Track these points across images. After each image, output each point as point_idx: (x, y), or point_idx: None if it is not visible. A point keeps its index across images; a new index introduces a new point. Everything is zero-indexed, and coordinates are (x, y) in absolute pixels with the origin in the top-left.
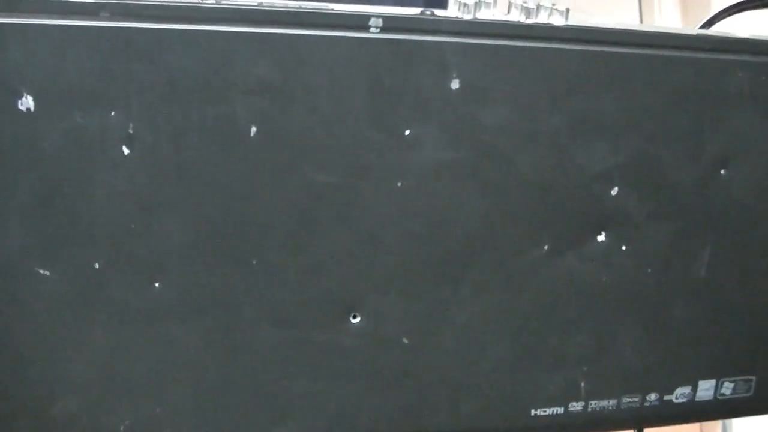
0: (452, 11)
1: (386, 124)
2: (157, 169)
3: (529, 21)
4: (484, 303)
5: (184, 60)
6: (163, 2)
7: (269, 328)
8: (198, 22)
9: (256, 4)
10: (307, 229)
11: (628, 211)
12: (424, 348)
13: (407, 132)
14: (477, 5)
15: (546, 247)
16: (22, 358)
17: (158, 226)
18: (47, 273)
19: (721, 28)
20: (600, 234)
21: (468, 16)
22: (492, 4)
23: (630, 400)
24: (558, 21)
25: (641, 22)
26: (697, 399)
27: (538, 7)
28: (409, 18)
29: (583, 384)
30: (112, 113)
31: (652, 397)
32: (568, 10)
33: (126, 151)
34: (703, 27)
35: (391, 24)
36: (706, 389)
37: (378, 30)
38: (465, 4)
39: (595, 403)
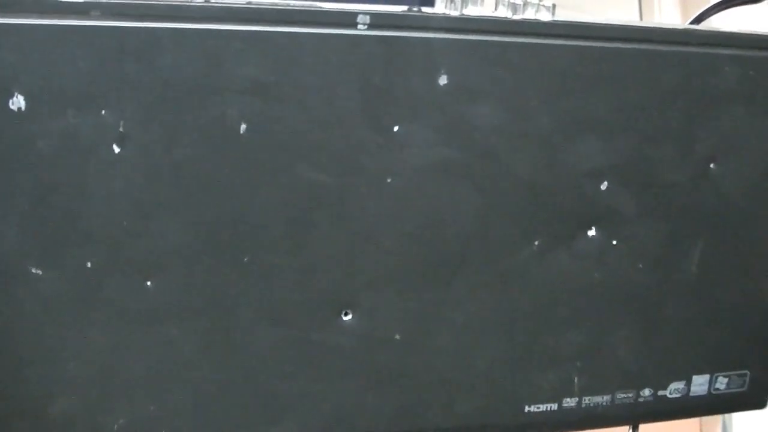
0: (440, 7)
1: (375, 120)
2: (149, 168)
3: (516, 17)
4: (476, 300)
5: (175, 58)
6: (153, 1)
7: (263, 327)
8: (188, 20)
9: (244, 2)
10: (300, 228)
11: (618, 206)
12: (417, 346)
13: (396, 128)
14: (464, 2)
15: (537, 243)
16: (17, 358)
17: (151, 224)
18: (40, 272)
19: (711, 24)
20: (591, 230)
21: (455, 13)
22: (479, 1)
23: (624, 395)
24: (545, 17)
25: (641, 20)
26: (691, 394)
27: (525, 3)
28: (396, 15)
29: (576, 380)
30: (103, 112)
31: (646, 392)
32: (554, 5)
33: (117, 149)
34: (692, 23)
35: (378, 21)
36: (700, 384)
37: (366, 27)
38: (452, 1)
39: (588, 399)
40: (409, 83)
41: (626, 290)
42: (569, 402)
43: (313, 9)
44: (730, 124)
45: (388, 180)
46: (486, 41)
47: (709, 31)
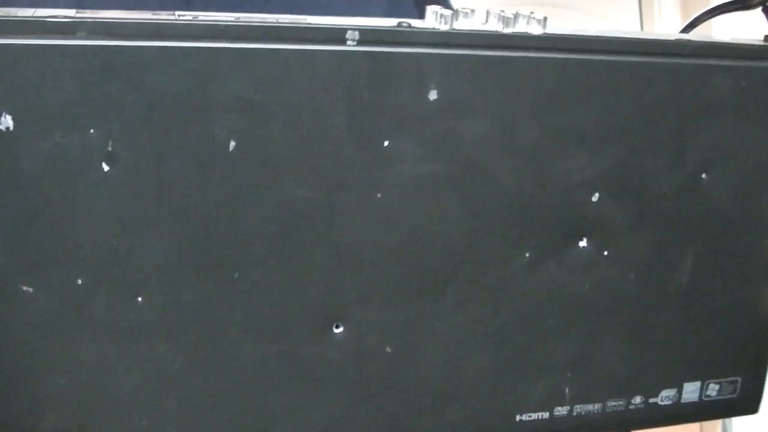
0: (429, 22)
1: (365, 136)
2: (137, 186)
3: (507, 30)
4: (467, 311)
5: (162, 76)
6: (139, 20)
7: (254, 341)
8: (175, 38)
9: (233, 19)
10: (289, 243)
11: (609, 217)
12: (408, 357)
13: (386, 144)
14: (454, 15)
15: (528, 255)
16: (8, 374)
17: (140, 242)
18: (30, 290)
19: (706, 31)
20: (582, 240)
21: (445, 27)
22: (470, 14)
23: (615, 403)
24: (536, 30)
25: (641, 22)
26: (682, 401)
27: (516, 15)
28: (386, 30)
29: (567, 389)
30: (92, 131)
31: (638, 400)
32: (545, 18)
33: (106, 168)
34: (683, 30)
35: (368, 37)
36: (691, 391)
37: (355, 43)
38: (442, 15)
39: (580, 408)
40: (398, 99)
41: (617, 299)
42: (561, 410)
43: (302, 25)
44: (722, 134)
45: (378, 195)
46: (476, 56)
47: (701, 42)
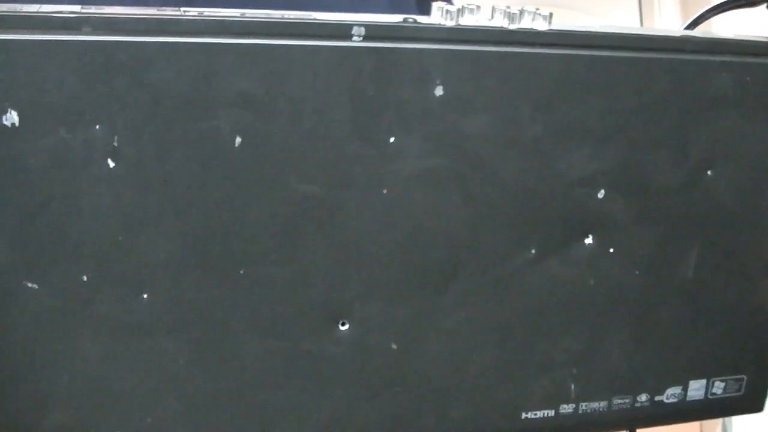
0: (435, 18)
1: (370, 132)
2: (142, 182)
3: (513, 26)
4: (472, 308)
5: (167, 72)
6: (144, 15)
7: (258, 338)
8: (180, 34)
9: (238, 15)
10: (294, 239)
11: (614, 214)
12: (413, 354)
13: (392, 140)
14: (460, 11)
15: (533, 252)
16: (12, 371)
17: (145, 238)
18: (35, 286)
19: (709, 29)
20: (587, 237)
21: (451, 23)
22: (475, 10)
23: (621, 401)
24: (541, 26)
25: (641, 21)
26: (688, 399)
27: (522, 11)
28: (391, 26)
29: (573, 386)
30: (97, 127)
31: (643, 397)
32: (551, 14)
33: (111, 164)
34: (688, 27)
35: (373, 32)
36: (696, 389)
37: (361, 39)
38: (448, 11)
39: (585, 405)
40: (404, 95)
41: (622, 296)
42: (566, 408)
43: (307, 21)
44: (727, 130)
45: (383, 191)
46: (482, 51)
47: (705, 38)
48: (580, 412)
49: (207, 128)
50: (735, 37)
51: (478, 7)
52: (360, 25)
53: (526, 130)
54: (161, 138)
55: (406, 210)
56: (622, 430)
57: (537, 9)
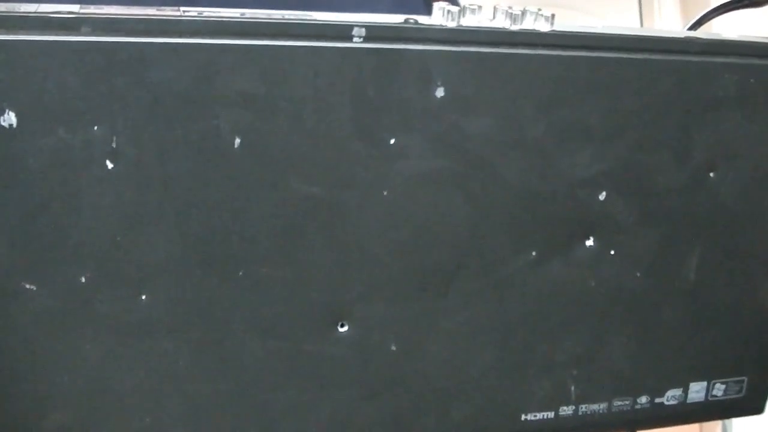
0: (436, 18)
1: (371, 133)
2: (141, 183)
3: (515, 27)
4: (472, 309)
5: (167, 73)
6: (144, 16)
7: (258, 339)
8: (180, 35)
9: (238, 15)
10: (294, 240)
11: (616, 215)
12: (413, 355)
13: (392, 141)
14: (461, 12)
15: (534, 254)
16: (11, 372)
17: (144, 238)
18: (34, 287)
19: (710, 29)
20: (588, 239)
21: (452, 24)
22: (477, 10)
23: (621, 403)
24: (543, 27)
25: (641, 21)
26: (688, 401)
27: (524, 12)
28: (392, 27)
29: (573, 388)
30: (96, 127)
31: (643, 399)
32: (553, 15)
33: (110, 165)
34: (691, 28)
35: (374, 33)
36: (697, 391)
37: (361, 39)
38: (449, 11)
39: (585, 407)
40: (405, 96)
41: (623, 298)
42: (566, 410)
43: (308, 22)
44: (730, 132)
45: (384, 192)
46: (483, 53)
47: (709, 40)
48: (580, 413)
49: (207, 129)
50: (739, 39)
51: (480, 7)
52: (361, 26)
53: (528, 131)
54: (161, 139)
55: (406, 211)
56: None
57: (539, 10)
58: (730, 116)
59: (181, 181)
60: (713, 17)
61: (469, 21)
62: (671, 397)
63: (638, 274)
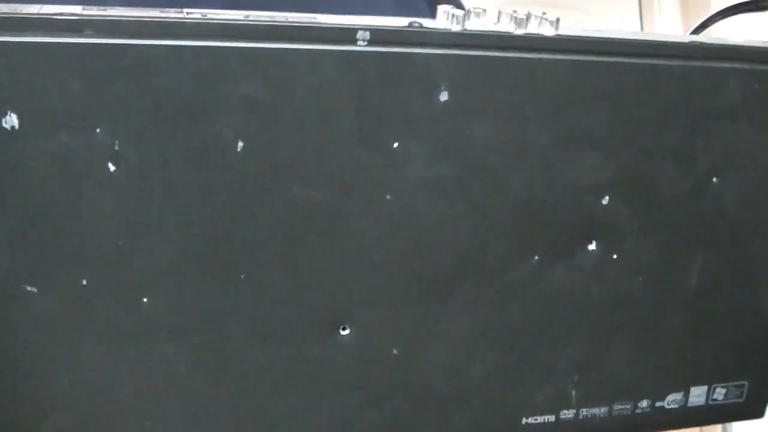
0: (441, 22)
1: (374, 137)
2: (144, 186)
3: (519, 31)
4: (474, 314)
5: (170, 76)
6: (147, 18)
7: (259, 343)
8: (183, 38)
9: (242, 17)
10: (296, 245)
11: (619, 220)
12: (415, 360)
13: (395, 145)
14: (466, 15)
15: (536, 258)
16: (11, 375)
17: (146, 242)
18: (35, 290)
19: (710, 33)
20: (591, 243)
21: (457, 27)
22: (482, 14)
23: (621, 407)
24: (548, 31)
25: (641, 22)
26: (689, 405)
27: (528, 16)
28: (397, 30)
29: (574, 392)
30: (98, 130)
31: (644, 403)
32: (558, 19)
33: (112, 168)
34: (695, 32)
35: (378, 36)
36: (698, 395)
37: (365, 43)
38: (454, 15)
39: (586, 411)
40: (409, 100)
41: (625, 303)
42: (567, 414)
43: (312, 25)
44: (734, 137)
45: (387, 197)
46: (488, 57)
47: (714, 45)
48: (581, 417)
49: (210, 132)
50: (744, 43)
51: (484, 10)
52: (365, 29)
53: (531, 134)
54: (163, 142)
55: (409, 216)
56: None
57: (544, 13)
58: (734, 122)
59: (183, 184)
60: (717, 21)
61: (474, 25)
62: (672, 401)
63: (640, 279)
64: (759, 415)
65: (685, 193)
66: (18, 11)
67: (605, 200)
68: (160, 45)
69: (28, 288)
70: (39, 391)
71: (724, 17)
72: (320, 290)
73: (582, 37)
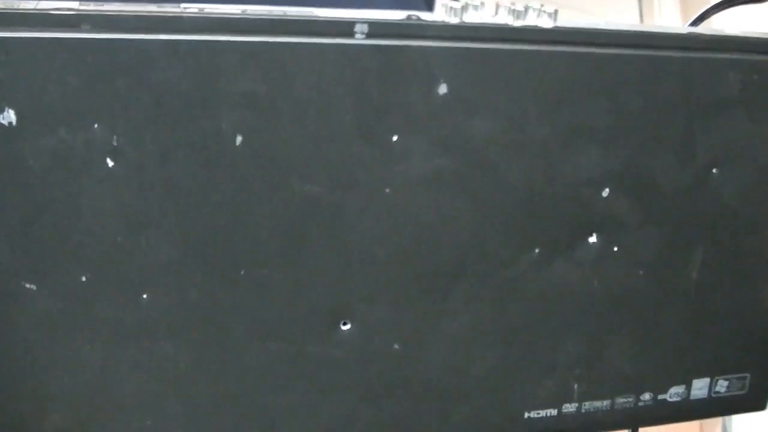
0: (439, 15)
1: (373, 131)
2: (142, 182)
3: (518, 23)
4: (475, 308)
5: (168, 70)
6: (145, 12)
7: (260, 340)
8: (181, 32)
9: (239, 11)
10: (296, 240)
11: (619, 213)
12: (416, 355)
13: (395, 138)
14: (464, 8)
15: (537, 251)
16: (11, 373)
17: (145, 238)
18: (34, 287)
19: (712, 24)
20: (591, 236)
21: (455, 20)
22: (480, 6)
23: (624, 400)
24: (546, 23)
25: (641, 20)
26: (691, 397)
27: (527, 8)
28: (395, 23)
29: (576, 386)
30: (96, 126)
31: (647, 396)
32: (556, 11)
33: (111, 164)
34: (693, 23)
35: (377, 30)
36: (700, 388)
37: (364, 36)
38: (452, 8)
39: (588, 404)
40: (408, 93)
41: (626, 296)
42: (569, 407)
43: (310, 19)
44: (733, 129)
45: (387, 191)
46: (486, 49)
47: (712, 36)
48: (583, 411)
49: (208, 127)
50: (742, 34)
51: (482, 3)
52: (363, 22)
53: (531, 128)
54: (162, 137)
55: (409, 210)
56: (625, 429)
57: (542, 5)
58: (733, 114)
59: (182, 180)
60: (715, 13)
61: (472, 17)
62: (674, 394)
63: (641, 272)
64: (761, 407)
65: (685, 185)
66: (15, 6)
67: (605, 192)
68: (158, 39)
69: (28, 285)
70: (39, 388)
71: (722, 9)
72: (320, 285)
73: (580, 28)
